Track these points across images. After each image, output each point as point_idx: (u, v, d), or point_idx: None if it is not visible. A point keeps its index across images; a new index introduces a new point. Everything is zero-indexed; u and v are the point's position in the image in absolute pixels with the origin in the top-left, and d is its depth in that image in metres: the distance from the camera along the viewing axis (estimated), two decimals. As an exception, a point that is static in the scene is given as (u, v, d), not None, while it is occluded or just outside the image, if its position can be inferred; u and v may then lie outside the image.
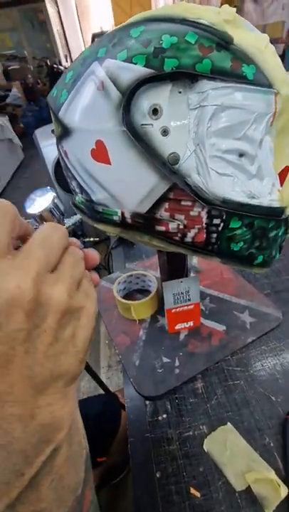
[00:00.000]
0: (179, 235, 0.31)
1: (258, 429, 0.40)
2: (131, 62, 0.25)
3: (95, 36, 5.11)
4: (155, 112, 0.26)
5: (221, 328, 0.53)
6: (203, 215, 0.29)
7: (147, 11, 0.27)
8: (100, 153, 0.28)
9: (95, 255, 0.22)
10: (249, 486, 0.35)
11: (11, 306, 0.15)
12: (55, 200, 0.21)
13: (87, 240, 1.85)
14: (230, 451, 0.38)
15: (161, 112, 0.26)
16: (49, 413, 0.17)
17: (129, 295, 0.62)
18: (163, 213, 0.30)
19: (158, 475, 0.37)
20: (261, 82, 0.26)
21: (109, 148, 0.28)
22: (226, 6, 0.26)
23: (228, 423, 0.40)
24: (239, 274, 0.63)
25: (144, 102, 0.26)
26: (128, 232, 0.33)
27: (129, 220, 0.31)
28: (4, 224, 0.16)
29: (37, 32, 5.24)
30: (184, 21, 0.25)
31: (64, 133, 0.31)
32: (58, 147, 0.34)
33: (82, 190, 0.33)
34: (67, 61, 6.18)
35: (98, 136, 0.28)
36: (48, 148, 1.71)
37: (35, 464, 0.16)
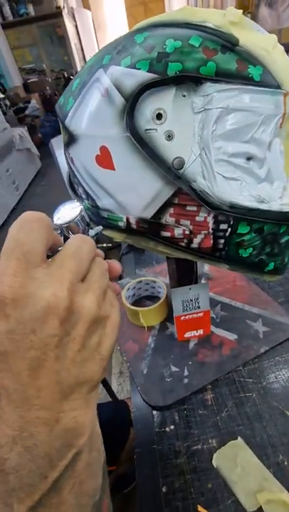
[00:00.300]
0: (185, 240, 0.30)
1: (271, 445, 0.38)
2: (134, 68, 0.25)
3: (110, 48, 5.24)
4: (159, 116, 0.26)
5: (233, 337, 0.51)
6: (210, 220, 0.28)
7: (152, 17, 0.27)
8: (104, 159, 0.28)
9: (117, 266, 0.23)
10: (261, 507, 0.33)
11: (47, 313, 0.16)
12: (82, 213, 0.21)
13: (100, 245, 1.86)
14: (241, 468, 0.36)
15: (165, 117, 0.26)
16: (72, 418, 0.17)
17: (138, 301, 0.61)
18: (168, 219, 0.29)
19: (164, 489, 0.36)
20: (269, 83, 0.25)
21: (114, 154, 0.28)
22: (232, 7, 0.26)
23: (239, 437, 0.38)
24: (252, 281, 0.61)
25: (148, 107, 0.26)
26: (133, 238, 0.32)
27: (134, 226, 0.31)
28: (42, 235, 0.17)
29: (55, 46, 5.43)
30: (188, 25, 0.25)
31: (70, 140, 0.31)
32: (65, 154, 0.35)
33: (88, 196, 0.33)
34: (83, 72, 6.35)
35: (102, 142, 0.28)
36: (63, 156, 1.76)
37: (58, 467, 0.17)
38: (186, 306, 0.48)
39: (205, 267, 0.66)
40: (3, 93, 3.97)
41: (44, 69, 5.44)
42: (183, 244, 0.31)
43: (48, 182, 3.42)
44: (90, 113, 0.28)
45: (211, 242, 0.30)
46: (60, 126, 0.33)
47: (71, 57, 5.66)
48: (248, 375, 0.46)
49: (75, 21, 6.30)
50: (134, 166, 0.27)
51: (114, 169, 0.28)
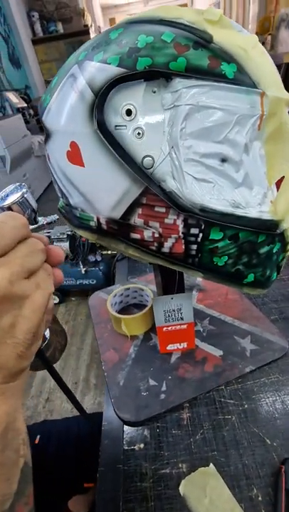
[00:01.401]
0: (155, 244, 0.29)
1: (246, 476, 0.34)
2: (106, 63, 0.24)
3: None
4: (129, 112, 0.25)
5: (218, 353, 0.48)
6: (179, 223, 0.27)
7: (132, 16, 0.27)
8: (74, 155, 0.27)
9: (59, 252, 0.22)
10: None
11: None
12: (25, 195, 0.21)
13: (104, 252, 1.86)
14: (210, 500, 0.33)
15: (135, 113, 0.25)
16: None
17: (126, 309, 0.59)
18: (137, 220, 0.28)
19: (123, 515, 0.33)
20: (243, 81, 0.24)
21: (83, 150, 0.27)
22: (212, 7, 0.25)
23: (211, 464, 0.35)
24: (246, 296, 0.58)
25: (117, 102, 0.25)
26: (105, 240, 0.31)
27: (104, 226, 0.30)
28: None
29: (80, 61, 5.68)
30: (162, 21, 0.24)
31: (46, 136, 0.31)
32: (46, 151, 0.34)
33: (62, 194, 0.32)
34: (105, 87, 6.59)
35: (72, 137, 0.27)
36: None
37: None
38: (169, 316, 0.45)
39: (197, 278, 0.64)
40: (27, 103, 4.14)
41: (68, 82, 5.68)
42: (153, 248, 0.29)
43: (62, 189, 3.50)
44: (62, 108, 0.27)
45: (183, 247, 0.28)
46: (41, 123, 0.33)
47: (95, 72, 5.90)
48: (229, 396, 0.42)
49: (101, 39, 6.57)
50: (102, 162, 0.26)
51: (83, 165, 0.27)
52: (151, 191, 0.26)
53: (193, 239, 0.27)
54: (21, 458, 0.19)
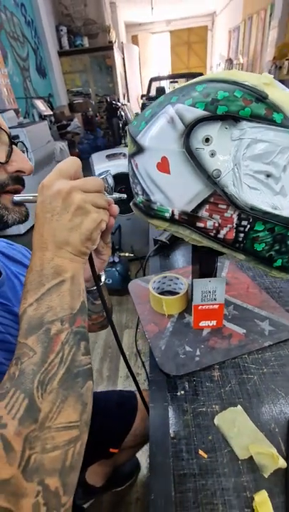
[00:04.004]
0: (214, 231, 0.40)
1: (265, 416, 0.45)
2: (194, 107, 0.37)
3: (152, 80, 5.68)
4: (207, 140, 0.37)
5: (241, 331, 0.59)
6: (235, 217, 0.38)
7: (208, 74, 0.39)
8: (163, 165, 0.39)
9: (116, 208, 0.38)
10: (251, 457, 0.39)
11: (57, 194, 0.31)
12: (107, 177, 0.35)
13: (122, 254, 1.98)
14: (238, 429, 0.43)
15: (211, 141, 0.37)
16: (61, 260, 0.31)
17: (161, 294, 0.70)
18: (203, 213, 0.39)
19: (172, 435, 0.43)
20: (287, 125, 0.36)
21: (171, 163, 0.39)
22: (266, 74, 0.37)
23: (239, 405, 0.46)
24: (264, 290, 0.69)
25: (200, 133, 0.37)
26: (174, 226, 0.43)
27: (176, 217, 0.41)
28: (71, 166, 0.33)
29: (103, 74, 5.94)
30: (234, 83, 0.36)
31: (138, 151, 0.43)
32: (129, 161, 0.47)
33: (144, 192, 0.44)
34: (124, 99, 6.87)
35: (164, 153, 0.39)
36: (99, 171, 1.95)
37: (51, 283, 0.30)
38: (205, 296, 0.56)
39: (223, 273, 0.75)
40: (51, 110, 4.36)
41: (90, 93, 5.93)
42: (212, 234, 0.41)
43: (79, 193, 3.65)
44: (158, 133, 0.39)
45: (234, 234, 0.40)
46: (130, 140, 0.45)
47: (116, 85, 6.16)
48: (251, 362, 0.53)
49: (123, 54, 6.91)
50: (184, 172, 0.38)
51: (169, 173, 0.39)
52: (217, 193, 0.38)
53: (242, 229, 0.39)
54: (82, 297, 0.32)
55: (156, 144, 0.40)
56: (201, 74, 5.30)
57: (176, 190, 0.40)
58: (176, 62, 10.47)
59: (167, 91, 5.52)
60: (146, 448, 1.14)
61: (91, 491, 0.95)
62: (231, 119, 0.36)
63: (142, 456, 1.16)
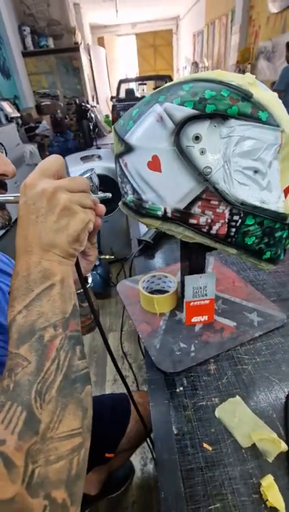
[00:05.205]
0: (207, 227, 0.41)
1: (263, 403, 0.46)
2: (183, 105, 0.37)
3: (121, 82, 5.68)
4: (197, 138, 0.38)
5: (232, 324, 0.60)
6: (226, 212, 0.40)
7: (194, 74, 0.40)
8: (154, 164, 0.40)
9: (102, 208, 0.36)
10: (254, 444, 0.41)
11: (41, 194, 0.29)
12: (92, 175, 0.34)
13: (102, 257, 1.96)
14: (239, 419, 0.44)
15: (201, 139, 0.38)
16: (48, 263, 0.29)
17: (151, 293, 0.71)
18: (196, 209, 0.40)
19: (175, 431, 0.43)
20: (272, 123, 0.37)
21: (162, 161, 0.39)
22: (248, 74, 0.39)
23: (237, 396, 0.47)
24: (249, 283, 0.72)
25: (190, 131, 0.37)
26: (167, 224, 0.43)
27: (169, 215, 0.42)
28: (54, 164, 0.31)
29: (70, 75, 5.85)
30: (220, 82, 0.37)
31: (126, 150, 0.43)
32: (117, 160, 0.46)
33: (135, 191, 0.44)
34: (93, 101, 6.82)
35: (154, 152, 0.39)
36: (75, 173, 1.91)
37: (39, 287, 0.28)
38: (196, 292, 0.57)
39: (208, 269, 0.77)
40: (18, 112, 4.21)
41: (57, 94, 5.81)
42: (204, 230, 0.41)
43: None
44: (147, 132, 0.40)
45: (226, 229, 0.41)
46: (116, 140, 0.45)
47: (83, 86, 6.08)
48: (244, 353, 0.55)
49: (90, 56, 6.85)
50: (175, 169, 0.39)
51: (160, 171, 0.40)
52: (209, 190, 0.39)
53: (234, 223, 0.40)
54: (72, 300, 0.30)
55: (146, 143, 0.40)
56: (169, 76, 5.40)
57: (168, 189, 0.40)
58: (144, 65, 10.58)
59: (136, 93, 5.56)
60: (138, 451, 1.14)
61: (86, 500, 0.92)
62: (220, 117, 0.37)
63: (135, 459, 1.16)
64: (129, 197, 0.46)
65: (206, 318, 0.61)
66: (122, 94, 5.52)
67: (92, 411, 0.30)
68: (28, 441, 0.24)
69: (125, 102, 5.04)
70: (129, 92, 5.35)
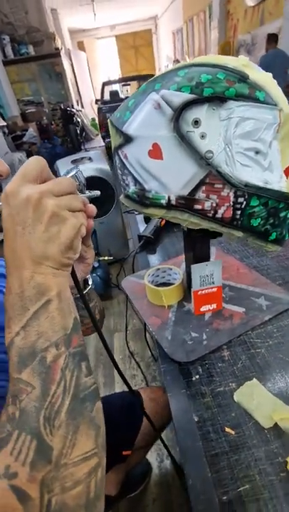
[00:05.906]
0: (212, 212, 0.41)
1: (280, 383, 0.46)
2: (180, 91, 0.37)
3: (104, 84, 5.68)
4: (196, 123, 0.38)
5: (241, 310, 0.60)
6: (231, 195, 0.40)
7: (189, 61, 0.40)
8: (155, 152, 0.40)
9: (93, 208, 0.34)
10: (276, 424, 0.41)
11: (26, 203, 0.26)
12: (77, 174, 0.32)
13: (101, 258, 1.95)
14: (257, 401, 0.44)
15: (200, 123, 0.38)
16: (42, 278, 0.27)
17: (156, 287, 0.70)
18: (201, 194, 0.40)
19: (196, 419, 0.43)
20: (269, 102, 0.38)
21: (163, 148, 0.39)
22: (242, 56, 0.39)
23: (254, 379, 0.47)
24: (253, 269, 0.72)
25: (189, 116, 0.37)
26: (171, 212, 0.43)
27: (173, 202, 0.42)
28: (36, 167, 0.28)
29: (53, 81, 5.83)
30: (215, 66, 0.38)
31: (125, 141, 0.42)
32: (116, 153, 0.46)
33: (137, 182, 0.44)
34: (78, 105, 6.80)
35: (155, 140, 0.39)
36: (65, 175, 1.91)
37: (35, 305, 0.26)
38: (203, 281, 0.57)
39: (212, 258, 0.77)
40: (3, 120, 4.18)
41: (42, 101, 5.79)
42: (210, 214, 0.41)
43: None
44: (145, 120, 0.40)
45: (231, 212, 0.41)
46: (114, 132, 0.45)
47: (67, 91, 6.07)
48: (256, 337, 0.55)
49: (71, 61, 6.84)
50: (177, 156, 0.39)
51: (162, 159, 0.39)
52: (212, 174, 0.39)
53: (239, 206, 0.40)
54: (72, 313, 0.28)
55: (146, 132, 0.40)
56: (152, 75, 5.41)
57: (171, 175, 0.40)
58: (125, 66, 10.59)
59: (120, 94, 5.57)
60: (154, 448, 1.13)
61: (106, 501, 0.92)
62: (218, 100, 0.37)
63: (152, 456, 1.15)
64: (131, 189, 0.45)
65: (215, 307, 0.61)
66: (107, 97, 5.52)
67: (104, 427, 0.29)
68: (42, 471, 0.23)
69: (110, 104, 5.03)
70: (114, 94, 5.35)
